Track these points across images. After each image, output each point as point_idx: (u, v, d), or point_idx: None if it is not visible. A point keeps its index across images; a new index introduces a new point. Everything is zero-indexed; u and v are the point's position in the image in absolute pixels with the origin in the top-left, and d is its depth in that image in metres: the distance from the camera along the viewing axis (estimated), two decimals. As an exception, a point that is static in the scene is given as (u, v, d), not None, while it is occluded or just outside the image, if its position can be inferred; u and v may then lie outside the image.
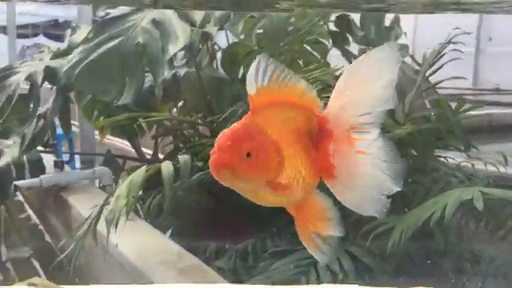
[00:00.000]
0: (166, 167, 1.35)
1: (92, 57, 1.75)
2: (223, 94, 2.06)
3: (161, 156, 2.32)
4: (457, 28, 1.41)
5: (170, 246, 1.53)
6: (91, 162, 2.77)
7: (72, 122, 3.40)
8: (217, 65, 2.28)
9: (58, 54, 2.06)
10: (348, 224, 1.34)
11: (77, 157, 2.96)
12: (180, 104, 2.34)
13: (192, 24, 2.12)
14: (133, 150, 2.49)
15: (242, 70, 2.21)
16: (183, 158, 1.41)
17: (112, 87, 1.73)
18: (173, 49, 1.71)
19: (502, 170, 1.58)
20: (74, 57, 1.78)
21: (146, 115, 1.77)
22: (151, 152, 2.43)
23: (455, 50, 1.36)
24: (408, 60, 1.77)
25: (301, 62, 2.07)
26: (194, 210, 1.83)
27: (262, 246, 1.48)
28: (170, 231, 1.84)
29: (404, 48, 1.94)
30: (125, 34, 1.78)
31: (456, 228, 1.54)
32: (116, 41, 1.77)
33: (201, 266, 1.39)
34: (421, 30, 4.89)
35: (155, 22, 1.78)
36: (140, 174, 1.34)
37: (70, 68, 1.76)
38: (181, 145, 2.13)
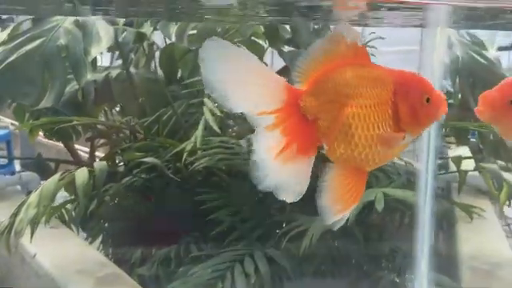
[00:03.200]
0: (81, 175, 1.32)
1: (11, 58, 1.68)
2: (156, 96, 2.03)
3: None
4: (373, 33, 1.45)
5: (91, 254, 1.50)
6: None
7: (14, 122, 3.26)
8: (155, 65, 2.24)
9: (-21, 56, 1.96)
10: (268, 226, 1.34)
11: (17, 160, 2.85)
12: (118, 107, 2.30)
13: (127, 24, 2.08)
14: (82, 154, 2.44)
15: (179, 71, 2.19)
16: (99, 164, 1.38)
17: (32, 90, 1.67)
18: (95, 51, 1.66)
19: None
20: (-8, 59, 1.71)
21: (67, 119, 1.71)
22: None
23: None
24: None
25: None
26: (126, 215, 1.79)
27: (186, 251, 1.47)
28: (101, 237, 1.80)
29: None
30: (46, 34, 1.72)
31: (378, 226, 1.58)
32: (37, 42, 1.71)
33: (120, 274, 1.36)
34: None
35: (78, 23, 1.72)
36: (52, 182, 1.30)
37: (-13, 70, 1.68)
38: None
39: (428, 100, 0.52)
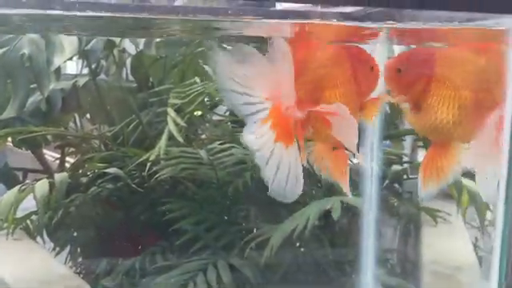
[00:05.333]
0: (41, 187, 1.30)
1: (-27, 68, 1.66)
2: (124, 104, 2.01)
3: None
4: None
5: (54, 265, 1.48)
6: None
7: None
8: (127, 73, 2.23)
9: None
10: (232, 235, 1.35)
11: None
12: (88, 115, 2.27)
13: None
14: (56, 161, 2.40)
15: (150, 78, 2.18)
16: (60, 176, 1.37)
17: (-5, 100, 1.65)
18: (58, 60, 1.65)
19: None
20: (-47, 69, 1.68)
21: (32, 130, 1.69)
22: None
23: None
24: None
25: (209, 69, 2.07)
26: (92, 226, 1.78)
27: (151, 261, 1.47)
28: (68, 248, 1.78)
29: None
30: (10, 44, 1.70)
31: (343, 231, 1.60)
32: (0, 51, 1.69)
33: (82, 285, 1.35)
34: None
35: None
36: (12, 194, 1.29)
37: None
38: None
39: (372, 68, 0.64)
